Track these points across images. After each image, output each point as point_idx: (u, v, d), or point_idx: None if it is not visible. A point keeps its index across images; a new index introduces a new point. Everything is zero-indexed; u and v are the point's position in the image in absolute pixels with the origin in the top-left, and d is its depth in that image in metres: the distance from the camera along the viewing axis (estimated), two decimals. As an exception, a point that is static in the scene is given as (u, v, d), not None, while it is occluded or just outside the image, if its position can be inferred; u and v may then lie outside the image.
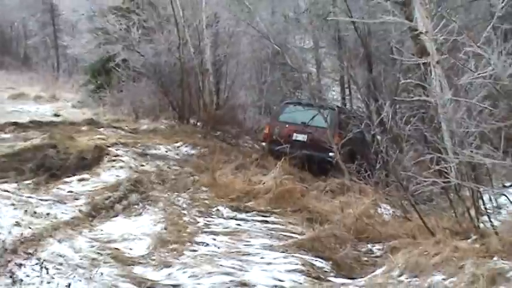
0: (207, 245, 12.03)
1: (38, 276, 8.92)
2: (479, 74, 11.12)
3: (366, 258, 11.99)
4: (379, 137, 14.63)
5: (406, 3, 15.94)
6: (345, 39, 23.95)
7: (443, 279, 8.97)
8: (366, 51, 22.32)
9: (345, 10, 20.94)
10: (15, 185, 14.52)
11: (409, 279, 9.36)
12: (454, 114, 12.50)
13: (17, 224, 11.36)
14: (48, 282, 8.72)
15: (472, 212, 11.54)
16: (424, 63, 14.95)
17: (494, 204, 12.92)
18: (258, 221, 13.94)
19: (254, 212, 14.48)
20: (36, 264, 9.42)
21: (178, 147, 21.36)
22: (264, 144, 22.04)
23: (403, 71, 17.20)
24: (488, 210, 12.07)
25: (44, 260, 9.65)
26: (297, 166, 18.50)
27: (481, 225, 11.14)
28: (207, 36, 27.47)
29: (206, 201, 14.92)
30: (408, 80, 15.40)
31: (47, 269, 9.26)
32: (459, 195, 11.84)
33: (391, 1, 16.23)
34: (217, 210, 14.35)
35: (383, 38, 20.79)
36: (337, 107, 24.82)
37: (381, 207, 15.04)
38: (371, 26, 20.35)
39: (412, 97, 14.76)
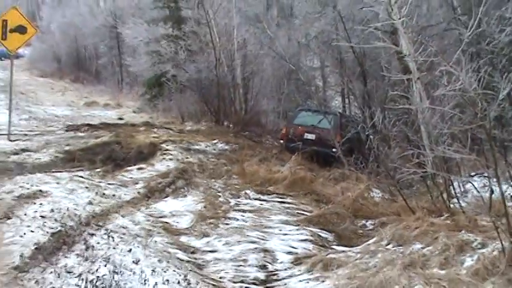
0: (237, 219, 12.06)
1: (105, 243, 8.96)
2: (450, 87, 11.08)
3: (361, 231, 11.97)
4: (371, 137, 14.60)
5: (393, 32, 15.90)
6: (345, 60, 23.87)
7: (422, 247, 8.94)
8: (362, 69, 22.27)
9: (345, 37, 20.89)
10: (88, 172, 14.63)
11: (394, 248, 9.34)
12: (431, 118, 12.53)
13: (90, 203, 11.45)
14: (114, 248, 8.76)
15: (445, 195, 11.54)
16: (407, 79, 14.95)
17: (462, 190, 12.88)
18: (277, 201, 13.94)
19: (274, 195, 14.49)
20: (105, 234, 9.47)
21: (214, 143, 21.35)
22: (281, 141, 22.03)
23: (391, 85, 17.14)
24: (457, 194, 12.05)
25: (111, 231, 9.71)
26: (307, 159, 18.47)
27: (452, 206, 11.12)
28: (237, 57, 27.49)
29: (236, 186, 14.93)
30: (395, 92, 15.37)
31: (112, 237, 9.32)
32: (434, 182, 11.84)
33: (382, 30, 16.19)
34: (245, 193, 14.35)
35: (375, 59, 20.71)
36: (339, 113, 24.77)
37: (373, 191, 14.99)
38: (366, 50, 20.29)
39: (398, 105, 14.75)
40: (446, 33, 19.02)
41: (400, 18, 15.17)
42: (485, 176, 12.27)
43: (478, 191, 11.82)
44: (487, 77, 11.37)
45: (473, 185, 12.36)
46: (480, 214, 10.34)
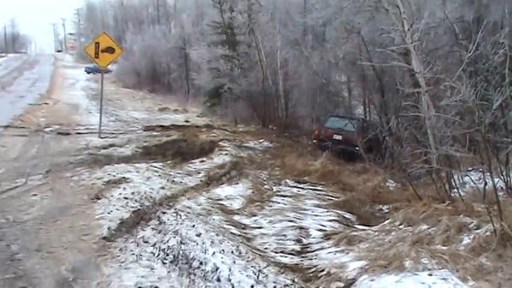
0: (278, 203, 12.05)
1: (174, 220, 9.04)
2: (453, 99, 10.97)
3: (378, 214, 11.87)
4: (387, 138, 14.46)
5: (406, 53, 15.74)
6: (366, 76, 23.67)
7: (428, 228, 8.85)
8: (380, 83, 22.08)
9: (367, 58, 20.71)
10: (161, 163, 14.75)
11: (405, 228, 9.26)
12: (436, 124, 12.38)
13: (162, 188, 11.56)
14: (181, 224, 8.83)
15: (447, 186, 11.41)
16: (417, 92, 14.81)
17: (461, 182, 12.71)
18: (310, 189, 13.89)
19: (308, 183, 14.44)
20: (174, 212, 9.56)
21: (261, 142, 21.37)
22: (314, 141, 21.98)
23: (404, 96, 16.91)
24: (457, 185, 11.92)
25: (178, 210, 9.79)
26: (335, 155, 18.40)
27: (452, 194, 11.00)
28: (280, 74, 27.52)
29: (278, 176, 14.90)
30: (407, 102, 15.18)
31: (180, 215, 9.39)
32: (438, 175, 11.69)
33: (397, 52, 16.05)
34: (285, 181, 14.33)
35: (391, 75, 20.50)
36: (361, 118, 24.69)
37: (388, 182, 14.87)
38: (383, 68, 20.10)
39: (409, 113, 14.60)
40: (449, 54, 18.81)
41: (412, 43, 15.07)
42: (480, 171, 12.13)
43: (474, 183, 11.72)
44: (483, 90, 11.22)
45: (470, 178, 12.22)
46: (476, 202, 10.23)
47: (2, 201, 9.61)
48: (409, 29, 15.12)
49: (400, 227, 9.45)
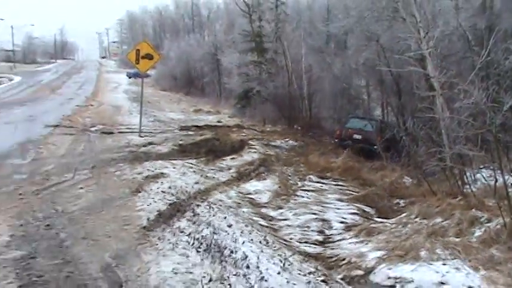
0: (303, 197, 12.03)
1: (207, 212, 9.07)
2: (465, 101, 10.87)
3: (395, 207, 11.79)
4: (404, 138, 14.34)
5: (422, 59, 15.58)
6: (384, 80, 23.51)
7: (441, 221, 8.78)
8: (397, 87, 21.95)
9: (385, 63, 20.60)
10: (195, 160, 14.78)
11: (421, 220, 9.19)
12: (450, 124, 12.27)
13: (196, 183, 11.58)
14: (213, 216, 8.86)
15: (459, 182, 11.31)
16: (432, 95, 14.67)
17: (473, 179, 12.55)
18: (332, 184, 13.84)
19: (330, 179, 14.38)
20: (207, 205, 9.58)
21: (287, 141, 21.33)
22: (336, 140, 21.93)
23: (419, 99, 16.77)
24: (469, 182, 11.78)
25: (211, 203, 9.81)
26: (355, 153, 18.32)
27: (465, 190, 10.86)
28: (304, 78, 27.40)
29: (302, 172, 14.86)
30: (422, 105, 15.07)
31: (212, 208, 9.41)
32: (452, 172, 11.57)
33: (413, 58, 15.91)
34: (309, 177, 14.29)
35: (408, 80, 20.34)
36: (380, 120, 24.55)
37: (404, 178, 14.76)
38: (400, 73, 19.94)
39: (425, 115, 14.51)
40: (463, 60, 18.64)
41: (427, 49, 14.94)
42: (491, 169, 11.98)
43: (486, 180, 11.59)
44: (494, 93, 11.11)
45: (482, 175, 12.07)
46: (487, 197, 10.12)
47: (52, 193, 9.72)
48: (424, 37, 14.98)
49: (416, 220, 9.38)
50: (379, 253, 7.82)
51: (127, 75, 65.66)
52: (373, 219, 10.57)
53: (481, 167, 13.18)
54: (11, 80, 58.25)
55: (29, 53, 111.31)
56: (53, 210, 8.51)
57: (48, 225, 7.72)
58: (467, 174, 12.19)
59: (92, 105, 30.71)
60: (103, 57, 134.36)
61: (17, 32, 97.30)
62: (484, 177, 11.87)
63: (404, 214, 10.15)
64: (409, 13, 15.68)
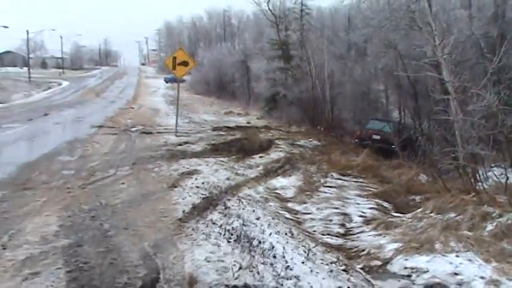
0: (325, 192, 11.96)
1: (237, 205, 9.09)
2: (478, 104, 10.72)
3: (412, 203, 11.65)
4: (420, 138, 14.20)
5: (437, 65, 15.40)
6: (402, 84, 23.27)
7: (455, 216, 8.65)
8: (414, 91, 21.73)
9: (403, 69, 20.44)
10: (226, 158, 14.82)
11: (435, 215, 9.06)
12: (463, 126, 12.10)
13: (227, 179, 11.62)
14: (243, 209, 8.87)
15: (472, 180, 11.12)
16: (447, 98, 14.47)
17: (485, 176, 12.36)
18: (353, 181, 13.73)
19: (351, 176, 14.27)
20: (237, 199, 9.60)
21: (310, 141, 21.25)
22: (356, 140, 21.88)
23: (435, 102, 16.55)
24: (481, 180, 11.59)
25: (241, 197, 9.83)
26: (374, 153, 18.20)
27: (477, 187, 10.68)
28: (327, 83, 27.29)
29: (325, 170, 14.77)
30: (437, 108, 14.86)
31: (242, 202, 9.43)
32: (465, 170, 11.41)
33: (429, 64, 15.74)
34: (331, 174, 14.20)
35: (424, 84, 20.10)
36: (397, 121, 24.39)
37: (420, 176, 14.59)
38: (417, 77, 19.72)
39: (439, 117, 14.33)
40: (476, 66, 18.38)
41: (442, 56, 14.77)
42: (502, 167, 11.83)
43: (497, 178, 11.42)
44: (506, 97, 10.97)
45: (493, 173, 11.89)
46: (498, 194, 9.96)
47: (97, 187, 9.86)
48: (440, 44, 14.81)
49: (431, 214, 9.26)
50: (396, 245, 7.75)
51: (164, 80, 66.22)
52: (390, 214, 10.47)
53: (493, 165, 13.00)
54: (60, 84, 59.24)
55: (76, 60, 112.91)
56: (98, 203, 8.63)
57: (93, 216, 7.83)
58: (480, 172, 12.01)
59: (132, 108, 31.07)
60: (143, 64, 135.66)
61: (65, 41, 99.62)
62: (495, 175, 11.70)
63: (420, 209, 10.02)
64: (425, 22, 15.54)
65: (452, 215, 8.80)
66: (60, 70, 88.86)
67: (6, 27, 55.58)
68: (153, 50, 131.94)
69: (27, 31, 64.03)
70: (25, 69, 66.10)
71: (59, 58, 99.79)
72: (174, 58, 19.14)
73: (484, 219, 8.28)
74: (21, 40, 75.16)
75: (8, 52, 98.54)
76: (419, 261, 7.00)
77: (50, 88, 53.23)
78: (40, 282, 5.39)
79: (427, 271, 6.73)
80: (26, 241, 6.58)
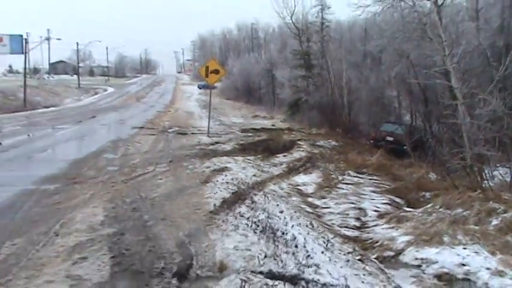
0: (343, 189, 11.88)
1: (263, 200, 9.08)
2: (485, 109, 10.55)
3: (422, 199, 11.49)
4: (430, 139, 14.00)
5: (446, 73, 15.14)
6: (413, 90, 22.95)
7: (462, 211, 8.50)
8: (424, 97, 21.41)
9: (414, 76, 20.19)
10: (253, 157, 14.83)
11: (444, 211, 8.92)
12: (470, 129, 11.90)
13: (254, 175, 11.64)
14: (268, 203, 8.86)
15: (479, 178, 10.92)
16: (455, 104, 14.24)
17: (491, 175, 12.11)
18: (368, 178, 13.60)
19: (366, 174, 14.14)
20: (262, 194, 9.60)
21: (329, 141, 21.12)
22: (371, 141, 21.76)
23: (444, 107, 16.29)
24: (487, 178, 11.37)
25: (266, 192, 9.83)
26: (387, 153, 18.03)
27: (483, 185, 10.48)
28: (345, 89, 27.08)
29: (342, 168, 14.68)
30: (446, 112, 14.62)
31: (267, 197, 9.42)
32: (471, 170, 11.20)
33: (439, 72, 15.50)
34: (348, 172, 14.09)
35: (433, 90, 19.80)
36: (409, 124, 24.13)
37: (430, 174, 14.38)
38: (427, 84, 19.42)
39: (448, 120, 14.12)
40: (482, 74, 18.03)
41: (451, 64, 14.52)
42: (507, 167, 11.61)
43: (502, 176, 11.25)
44: (510, 102, 10.76)
45: (498, 172, 11.70)
46: (503, 191, 9.80)
47: (138, 182, 9.97)
48: (449, 54, 14.56)
49: (440, 210, 9.12)
50: (407, 237, 7.66)
51: (198, 87, 66.60)
52: (402, 209, 10.35)
53: (498, 165, 12.73)
54: (105, 90, 60.09)
55: (120, 68, 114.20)
56: (138, 196, 8.73)
57: (134, 208, 7.92)
58: (486, 171, 11.77)
59: (169, 111, 31.36)
60: (179, 72, 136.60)
61: (110, 52, 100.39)
62: (500, 174, 11.51)
63: (429, 205, 9.87)
64: (435, 34, 15.30)
65: (460, 210, 8.65)
66: (106, 77, 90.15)
67: (59, 39, 57.52)
68: (188, 59, 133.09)
69: (77, 43, 65.58)
70: (75, 76, 67.24)
71: (104, 67, 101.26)
72: (207, 67, 19.26)
73: (489, 214, 8.13)
74: (72, 51, 76.32)
75: (61, 61, 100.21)
76: (429, 252, 6.91)
77: (96, 94, 54.11)
78: (87, 266, 5.48)
79: (436, 262, 6.65)
80: (75, 229, 6.69)
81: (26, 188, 9.28)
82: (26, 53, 39.95)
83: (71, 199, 8.32)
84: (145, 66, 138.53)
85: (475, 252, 6.71)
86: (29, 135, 18.28)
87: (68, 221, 7.03)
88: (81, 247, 6.03)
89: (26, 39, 39.65)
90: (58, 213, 7.47)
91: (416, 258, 6.88)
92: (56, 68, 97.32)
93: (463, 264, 6.47)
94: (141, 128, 20.41)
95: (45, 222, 6.96)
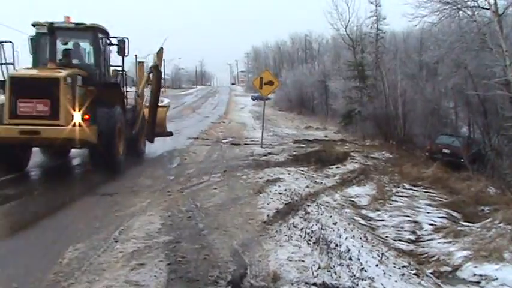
0: (397, 201, 11.68)
1: (316, 211, 9.03)
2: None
3: (480, 213, 11.12)
4: (489, 152, 13.56)
5: (507, 83, 14.65)
6: (471, 102, 22.29)
7: (525, 227, 8.19)
8: (483, 108, 20.77)
9: (472, 87, 19.57)
10: (306, 168, 14.75)
11: (504, 226, 8.61)
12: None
13: (307, 186, 11.58)
14: (321, 214, 8.81)
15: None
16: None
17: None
18: (423, 191, 13.30)
19: (421, 187, 13.82)
20: (316, 205, 9.54)
21: (383, 153, 20.77)
22: (427, 154, 21.34)
23: (504, 119, 15.76)
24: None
25: (319, 204, 9.77)
26: (444, 165, 17.58)
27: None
28: (399, 100, 26.60)
29: (397, 180, 14.41)
30: (507, 124, 14.13)
31: (320, 208, 9.37)
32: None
33: (499, 83, 15.04)
34: (403, 185, 13.82)
35: (493, 101, 19.17)
36: (467, 136, 23.48)
37: (489, 188, 13.89)
38: (486, 96, 18.79)
39: (509, 133, 13.63)
40: None
41: (512, 75, 14.03)
42: None
43: None
44: None
45: None
46: None
47: (193, 192, 10.12)
48: (510, 64, 14.08)
49: (500, 225, 8.81)
50: (465, 253, 7.44)
51: (251, 98, 67.06)
52: (460, 223, 10.05)
53: None
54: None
55: (176, 80, 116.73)
56: (193, 205, 8.85)
57: (189, 217, 8.05)
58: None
59: (223, 122, 31.69)
60: (233, 84, 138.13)
61: (167, 64, 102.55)
62: None
63: (488, 219, 9.55)
64: (495, 43, 14.86)
65: (521, 226, 8.34)
66: (163, 89, 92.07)
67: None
68: (242, 71, 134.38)
69: (136, 55, 67.38)
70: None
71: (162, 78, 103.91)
72: (261, 78, 19.39)
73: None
74: (131, 63, 78.98)
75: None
76: (488, 269, 6.68)
77: (154, 105, 55.31)
78: (145, 273, 5.61)
79: (496, 279, 6.41)
80: (133, 236, 6.87)
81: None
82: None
83: (129, 207, 8.54)
84: (201, 78, 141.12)
85: (538, 270, 6.44)
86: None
87: (127, 228, 7.22)
88: (139, 254, 6.18)
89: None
90: (117, 220, 7.68)
91: (474, 275, 6.66)
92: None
93: (525, 282, 6.22)
94: (196, 138, 20.73)
95: (105, 229, 7.20)
